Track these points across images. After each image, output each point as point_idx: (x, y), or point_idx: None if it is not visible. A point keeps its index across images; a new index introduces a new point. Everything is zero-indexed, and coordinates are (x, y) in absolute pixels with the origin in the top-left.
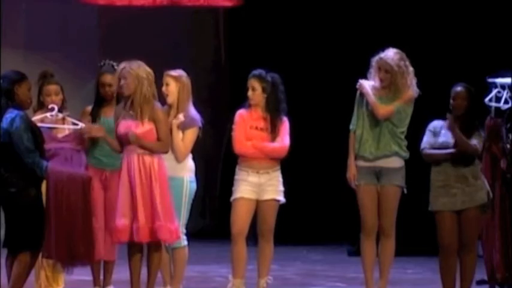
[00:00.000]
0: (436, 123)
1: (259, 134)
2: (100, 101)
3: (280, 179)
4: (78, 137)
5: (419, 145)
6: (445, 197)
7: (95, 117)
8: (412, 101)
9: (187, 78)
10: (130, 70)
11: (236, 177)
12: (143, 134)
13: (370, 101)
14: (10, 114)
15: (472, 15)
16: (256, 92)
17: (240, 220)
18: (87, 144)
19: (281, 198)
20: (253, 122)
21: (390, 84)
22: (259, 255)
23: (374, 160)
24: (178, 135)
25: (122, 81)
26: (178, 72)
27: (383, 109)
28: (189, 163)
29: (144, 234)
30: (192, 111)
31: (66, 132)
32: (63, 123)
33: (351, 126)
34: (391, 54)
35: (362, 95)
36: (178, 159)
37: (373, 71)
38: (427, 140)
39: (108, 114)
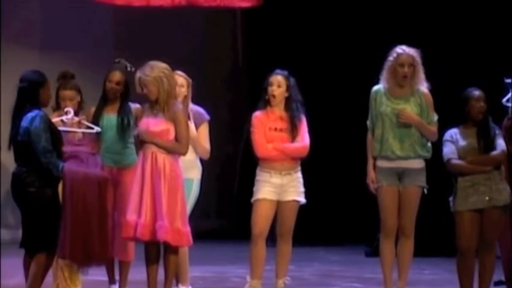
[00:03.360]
0: (451, 132)
1: (279, 135)
2: (105, 98)
3: (301, 180)
4: (93, 140)
5: (438, 145)
6: (474, 195)
7: (98, 114)
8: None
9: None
10: (146, 77)
11: (258, 178)
12: (159, 133)
13: (425, 129)
14: (31, 113)
15: (487, 15)
16: (280, 89)
17: (262, 221)
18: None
19: (302, 199)
20: (271, 124)
21: (412, 78)
22: (278, 256)
23: (397, 160)
24: (201, 136)
25: (145, 91)
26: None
27: (435, 136)
28: (198, 164)
29: (145, 232)
30: (195, 107)
31: (81, 135)
32: (79, 127)
33: (368, 123)
34: (406, 48)
35: (377, 94)
36: (205, 156)
37: (389, 71)
38: (449, 150)
39: (110, 111)
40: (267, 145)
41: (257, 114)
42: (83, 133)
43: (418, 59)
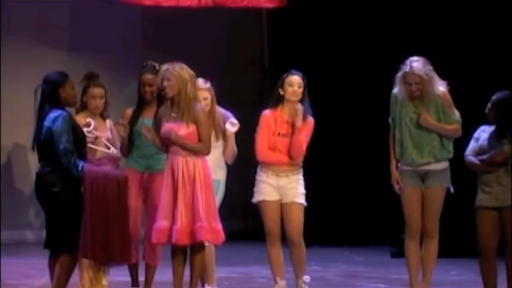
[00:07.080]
0: (481, 128)
1: (281, 141)
2: (141, 102)
3: (302, 182)
4: (112, 159)
5: (463, 146)
6: (492, 194)
7: (134, 120)
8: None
9: None
10: (173, 72)
11: (257, 177)
12: (186, 136)
13: (444, 131)
14: (54, 113)
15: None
16: (301, 89)
17: (270, 222)
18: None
19: (301, 201)
20: (276, 127)
21: (422, 93)
22: (293, 258)
23: (418, 166)
24: (232, 140)
25: (165, 83)
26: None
27: (457, 132)
28: (224, 165)
29: (182, 236)
30: (226, 112)
31: (101, 152)
32: (95, 141)
33: (390, 121)
34: (415, 64)
35: (397, 98)
36: (231, 158)
37: (399, 86)
38: (471, 147)
39: (147, 115)
40: (267, 151)
41: (266, 115)
42: (101, 150)
43: (428, 72)
